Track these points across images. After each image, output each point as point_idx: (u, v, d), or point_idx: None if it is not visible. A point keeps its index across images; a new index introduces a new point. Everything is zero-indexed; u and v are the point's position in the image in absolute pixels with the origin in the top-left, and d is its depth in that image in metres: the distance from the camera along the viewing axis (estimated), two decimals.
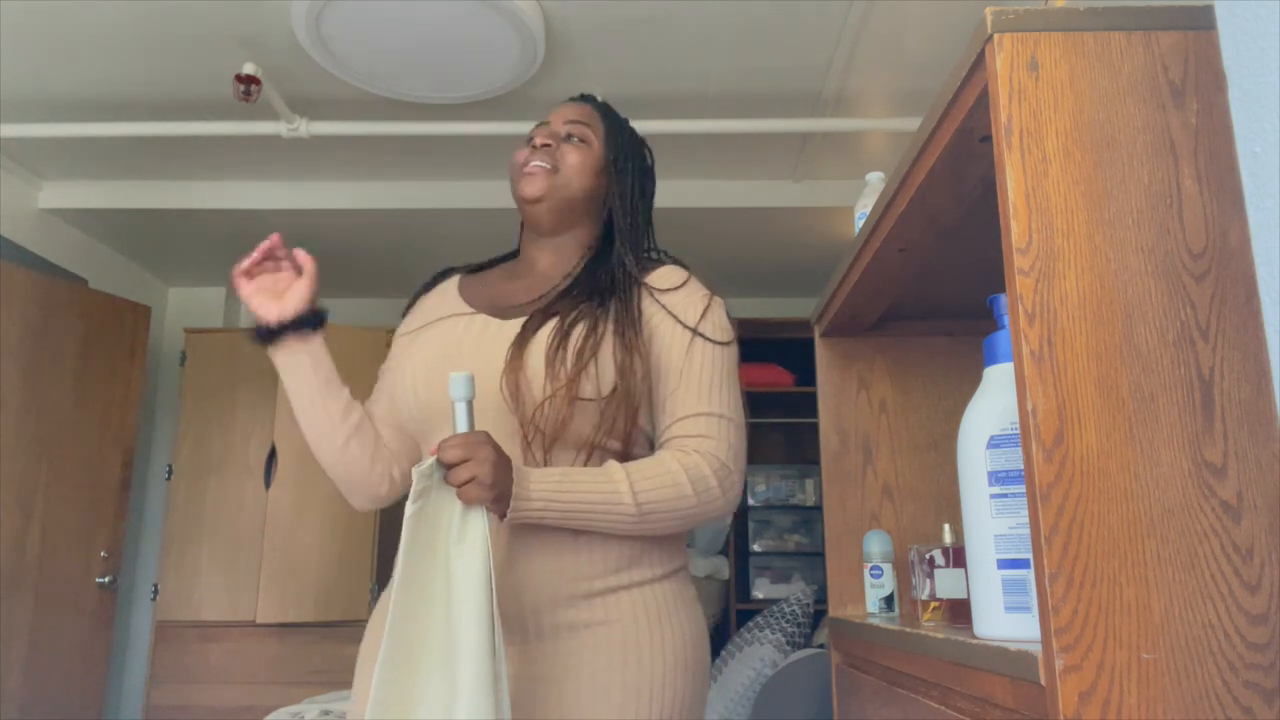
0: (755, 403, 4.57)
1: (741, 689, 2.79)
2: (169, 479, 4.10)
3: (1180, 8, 0.85)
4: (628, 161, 1.35)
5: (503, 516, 1.07)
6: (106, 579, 3.68)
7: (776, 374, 4.47)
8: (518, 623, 1.14)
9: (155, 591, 4.00)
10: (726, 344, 1.24)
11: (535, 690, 1.12)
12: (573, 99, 1.39)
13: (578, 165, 1.31)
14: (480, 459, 1.03)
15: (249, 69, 2.74)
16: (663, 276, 1.29)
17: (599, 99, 1.42)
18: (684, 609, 1.19)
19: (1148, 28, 0.84)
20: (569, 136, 1.33)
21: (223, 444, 4.07)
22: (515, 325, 1.22)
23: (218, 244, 4.16)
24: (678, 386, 1.20)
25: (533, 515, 1.08)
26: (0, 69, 2.86)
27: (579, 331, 1.18)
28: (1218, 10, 0.84)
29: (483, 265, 1.41)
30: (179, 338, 4.42)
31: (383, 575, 4.07)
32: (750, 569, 4.46)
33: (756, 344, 4.52)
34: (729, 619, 4.21)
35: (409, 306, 1.40)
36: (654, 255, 1.35)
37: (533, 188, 1.29)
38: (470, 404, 1.08)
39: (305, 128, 3.04)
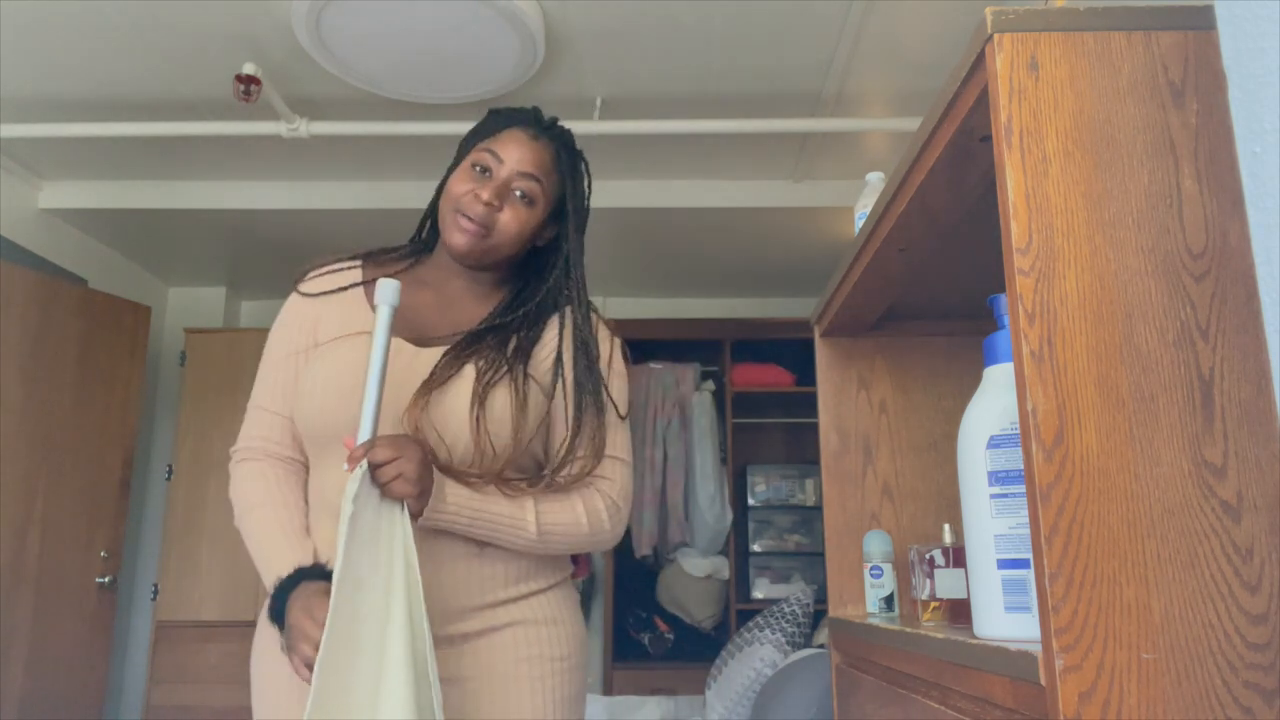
0: (755, 403, 4.57)
1: (741, 689, 2.79)
2: (169, 479, 4.10)
3: (1180, 8, 0.85)
4: (577, 222, 1.34)
5: (417, 516, 1.12)
6: (106, 579, 3.68)
7: (776, 374, 4.46)
8: (435, 635, 1.19)
9: (155, 591, 4.00)
10: (624, 402, 1.35)
11: (456, 688, 1.20)
12: (539, 135, 1.32)
13: (514, 232, 1.29)
14: (408, 456, 1.09)
15: (249, 69, 2.74)
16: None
17: (560, 132, 1.35)
18: (570, 611, 1.32)
19: (1148, 28, 0.84)
20: (515, 192, 1.28)
21: (223, 444, 4.07)
22: (433, 355, 1.24)
23: (218, 244, 4.16)
24: None
25: (444, 521, 1.15)
26: (0, 69, 2.87)
27: (500, 401, 1.21)
28: (1218, 10, 0.84)
29: (388, 251, 1.40)
30: (179, 338, 4.42)
31: None
32: (750, 569, 4.46)
33: (756, 344, 4.51)
34: (729, 619, 4.21)
35: (307, 272, 1.37)
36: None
37: (462, 245, 1.28)
38: (393, 310, 1.14)
39: (305, 128, 3.04)
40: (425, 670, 1.06)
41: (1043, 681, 0.74)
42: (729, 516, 4.23)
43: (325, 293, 1.33)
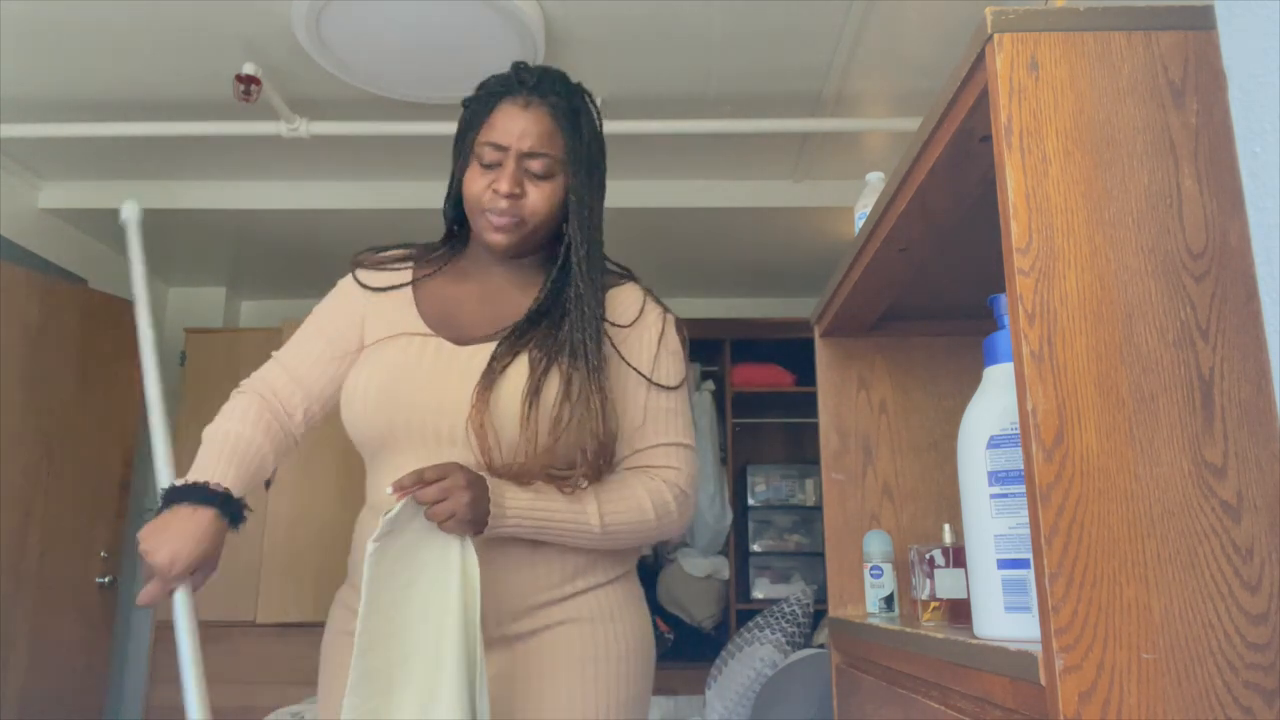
0: (755, 403, 4.57)
1: (741, 689, 2.79)
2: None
3: (1180, 8, 0.84)
4: (587, 176, 1.27)
5: (479, 533, 1.12)
6: (106, 579, 3.68)
7: (776, 374, 4.46)
8: (488, 635, 1.18)
9: None
10: (682, 383, 1.30)
11: (504, 688, 1.18)
12: (530, 100, 1.25)
13: (546, 209, 1.25)
14: (457, 499, 1.08)
15: (249, 69, 2.74)
16: (619, 302, 1.30)
17: (547, 84, 1.27)
18: (633, 606, 1.27)
19: (1148, 28, 0.84)
20: (529, 172, 1.24)
21: None
22: (473, 353, 1.22)
23: (218, 244, 4.16)
24: (642, 421, 1.26)
25: (506, 530, 1.14)
26: (0, 69, 2.86)
27: (554, 389, 1.18)
28: (1218, 10, 0.84)
29: (433, 248, 1.37)
30: (179, 338, 4.42)
31: None
32: (750, 569, 4.46)
33: (756, 344, 4.51)
34: (729, 619, 4.21)
35: (361, 266, 1.35)
36: (607, 268, 1.33)
37: (502, 243, 1.25)
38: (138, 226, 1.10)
39: (305, 128, 3.04)
40: (478, 695, 1.06)
41: (1043, 681, 0.74)
42: (729, 516, 4.22)
43: (377, 288, 1.32)
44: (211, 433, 1.27)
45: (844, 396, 1.68)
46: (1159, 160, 0.82)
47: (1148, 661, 0.72)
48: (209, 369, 4.16)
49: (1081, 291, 0.79)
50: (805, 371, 4.35)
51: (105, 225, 3.94)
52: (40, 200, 3.71)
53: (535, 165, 1.24)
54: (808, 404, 4.38)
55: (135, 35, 2.70)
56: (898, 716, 1.19)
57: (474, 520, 1.10)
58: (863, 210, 1.63)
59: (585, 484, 1.19)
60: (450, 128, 3.39)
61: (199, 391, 4.13)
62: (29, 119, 3.14)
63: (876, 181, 1.66)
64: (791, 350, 4.42)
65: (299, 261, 4.30)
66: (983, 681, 0.88)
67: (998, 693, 0.84)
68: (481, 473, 1.14)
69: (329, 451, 4.02)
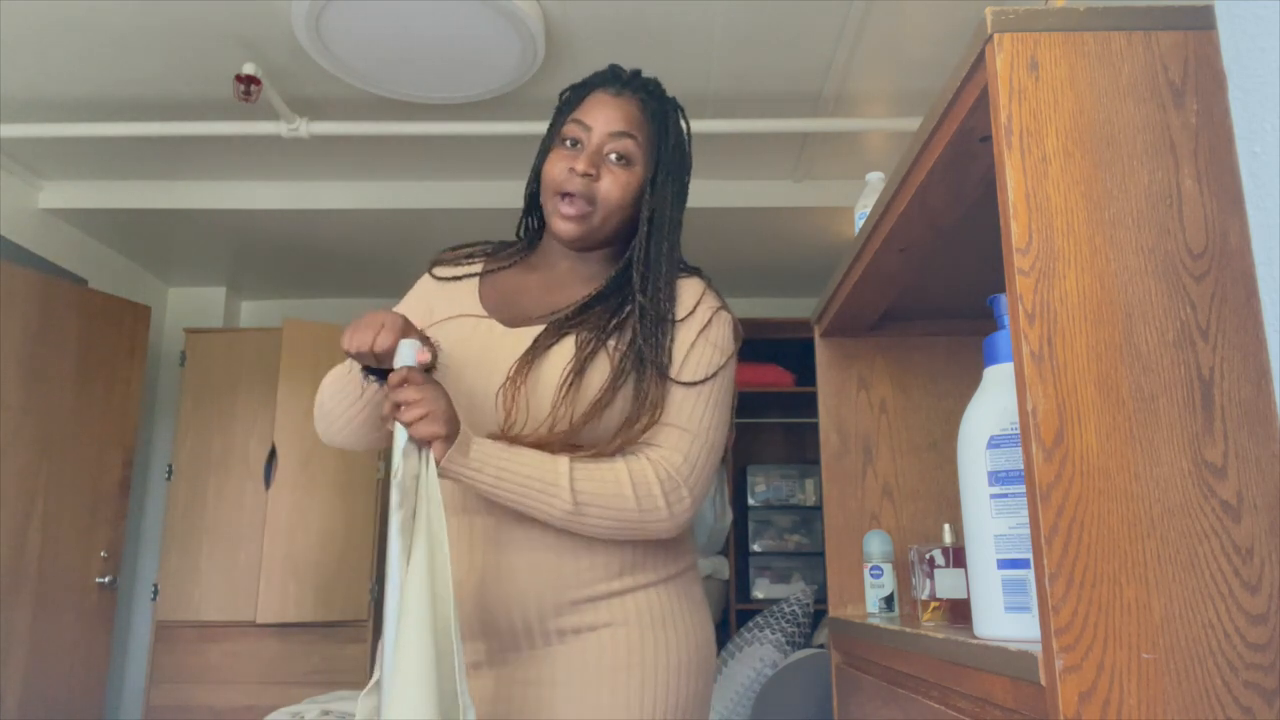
0: (755, 403, 4.57)
1: (741, 689, 2.79)
2: (169, 479, 4.10)
3: (1180, 8, 0.85)
4: (668, 175, 1.24)
5: (440, 459, 1.04)
6: (106, 579, 3.68)
7: (776, 374, 4.46)
8: (524, 629, 1.14)
9: (155, 591, 4.00)
10: (709, 378, 1.20)
11: (540, 694, 1.13)
12: (622, 91, 1.25)
13: (617, 198, 1.22)
14: (432, 396, 1.03)
15: (249, 69, 2.74)
16: (678, 295, 1.25)
17: (642, 82, 1.28)
18: (689, 610, 1.20)
19: (1148, 28, 0.84)
20: (610, 156, 1.21)
21: (223, 444, 4.07)
22: (521, 334, 1.19)
23: (218, 244, 4.16)
24: None
25: (465, 473, 1.06)
26: (0, 69, 2.87)
27: (597, 374, 1.14)
28: (1218, 10, 0.84)
29: (508, 247, 1.36)
30: (179, 338, 4.42)
31: (383, 575, 4.07)
32: (750, 569, 4.46)
33: (756, 344, 4.51)
34: (729, 619, 4.21)
35: (439, 263, 1.34)
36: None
37: (570, 233, 1.22)
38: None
39: (305, 128, 3.04)
40: (448, 631, 0.98)
41: (1043, 681, 0.74)
42: (729, 516, 4.22)
43: (446, 278, 1.32)
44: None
45: (844, 396, 1.68)
46: (1159, 160, 0.82)
47: (1148, 661, 0.72)
48: (209, 369, 4.16)
49: (1081, 291, 0.79)
50: (805, 371, 4.35)
51: (105, 225, 3.94)
52: (40, 200, 3.71)
53: (616, 147, 1.21)
54: (808, 404, 4.38)
55: (135, 35, 2.70)
56: (898, 716, 1.19)
57: (448, 421, 1.03)
58: (863, 210, 1.63)
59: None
60: (450, 127, 3.38)
61: (199, 391, 4.14)
62: (29, 119, 3.14)
63: (876, 181, 1.66)
64: (791, 350, 4.42)
65: (299, 261, 4.30)
66: (983, 681, 0.88)
67: (998, 693, 0.84)
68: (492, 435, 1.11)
69: (329, 452, 4.02)
